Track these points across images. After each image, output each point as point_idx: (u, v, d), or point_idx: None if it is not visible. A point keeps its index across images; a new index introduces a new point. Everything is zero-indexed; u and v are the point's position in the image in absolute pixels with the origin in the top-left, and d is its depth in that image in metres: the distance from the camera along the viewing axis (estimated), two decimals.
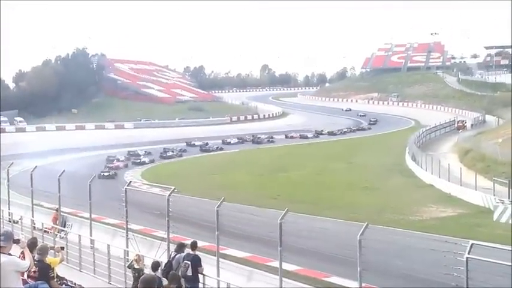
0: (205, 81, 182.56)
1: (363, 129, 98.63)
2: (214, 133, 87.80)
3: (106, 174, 50.29)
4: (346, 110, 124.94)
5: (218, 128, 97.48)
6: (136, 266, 13.27)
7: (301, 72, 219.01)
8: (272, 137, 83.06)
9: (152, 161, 62.26)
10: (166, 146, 70.94)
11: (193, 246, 13.50)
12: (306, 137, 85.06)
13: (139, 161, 61.89)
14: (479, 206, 35.63)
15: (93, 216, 21.17)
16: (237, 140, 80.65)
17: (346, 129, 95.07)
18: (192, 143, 76.03)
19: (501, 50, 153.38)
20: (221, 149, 73.50)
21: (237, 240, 23.19)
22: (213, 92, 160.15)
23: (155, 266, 12.39)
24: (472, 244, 9.60)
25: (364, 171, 51.24)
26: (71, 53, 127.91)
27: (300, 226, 20.94)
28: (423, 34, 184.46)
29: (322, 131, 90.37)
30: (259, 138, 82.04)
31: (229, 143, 78.46)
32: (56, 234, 20.57)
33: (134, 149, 69.00)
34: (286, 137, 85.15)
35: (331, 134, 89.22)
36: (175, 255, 13.34)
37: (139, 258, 13.41)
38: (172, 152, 68.36)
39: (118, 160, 60.21)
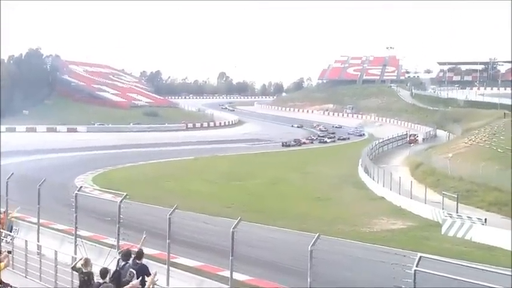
0: (162, 87, 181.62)
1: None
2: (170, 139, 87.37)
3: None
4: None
5: (173, 135, 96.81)
6: (84, 270, 12.88)
7: (258, 81, 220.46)
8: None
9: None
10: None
11: (140, 255, 13.03)
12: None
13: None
14: (428, 219, 36.33)
15: (41, 221, 20.68)
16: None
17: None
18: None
19: (454, 66, 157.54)
20: None
21: (189, 249, 22.95)
22: (169, 97, 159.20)
23: (103, 273, 12.06)
24: (420, 257, 9.74)
25: (317, 182, 51.70)
26: (24, 53, 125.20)
27: (252, 236, 20.89)
28: (379, 48, 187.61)
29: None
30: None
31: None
32: (2, 239, 19.99)
33: None
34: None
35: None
36: (124, 264, 13.01)
37: (87, 263, 13.00)
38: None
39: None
